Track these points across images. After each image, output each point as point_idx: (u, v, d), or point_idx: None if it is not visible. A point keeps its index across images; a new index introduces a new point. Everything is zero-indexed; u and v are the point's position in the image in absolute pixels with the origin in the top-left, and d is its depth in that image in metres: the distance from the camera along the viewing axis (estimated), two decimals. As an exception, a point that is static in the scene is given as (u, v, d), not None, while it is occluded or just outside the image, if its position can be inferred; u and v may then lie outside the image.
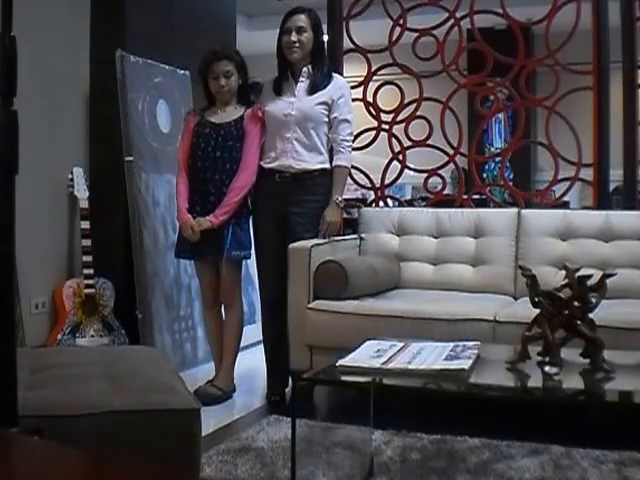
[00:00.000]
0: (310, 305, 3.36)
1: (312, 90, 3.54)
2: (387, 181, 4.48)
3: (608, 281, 2.27)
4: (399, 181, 4.50)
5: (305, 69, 3.56)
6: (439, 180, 4.42)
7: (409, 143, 4.43)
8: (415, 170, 4.43)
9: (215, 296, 3.67)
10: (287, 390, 3.62)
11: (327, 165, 3.57)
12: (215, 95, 3.60)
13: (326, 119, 3.54)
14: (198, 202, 3.53)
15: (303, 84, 3.56)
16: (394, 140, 4.45)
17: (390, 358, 2.24)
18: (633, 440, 2.67)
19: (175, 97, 4.41)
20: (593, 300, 2.25)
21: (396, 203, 4.79)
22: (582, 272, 2.28)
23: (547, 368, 2.19)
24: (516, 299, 3.52)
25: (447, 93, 4.38)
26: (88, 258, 3.94)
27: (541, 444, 2.77)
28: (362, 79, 4.46)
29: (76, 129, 4.21)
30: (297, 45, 3.49)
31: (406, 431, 2.92)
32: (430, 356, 2.25)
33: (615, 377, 2.20)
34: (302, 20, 3.51)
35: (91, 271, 3.95)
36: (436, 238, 3.91)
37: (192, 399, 2.00)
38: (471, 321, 3.12)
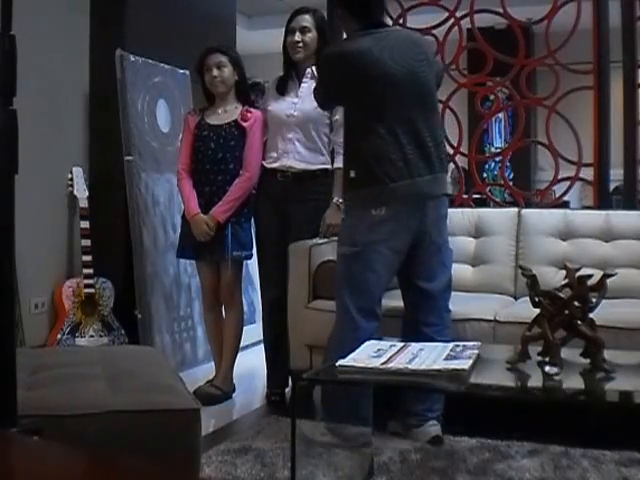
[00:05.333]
0: (310, 305, 3.36)
1: (315, 91, 3.55)
2: (387, 181, 4.47)
3: (608, 281, 2.26)
4: (399, 181, 4.49)
5: (309, 70, 3.55)
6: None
7: (409, 143, 4.42)
8: (415, 170, 4.42)
9: (216, 296, 3.67)
10: (287, 390, 3.62)
11: (328, 165, 3.56)
12: (210, 88, 3.60)
13: (327, 121, 3.54)
14: (201, 204, 3.53)
15: (306, 85, 3.56)
16: (394, 140, 4.44)
17: (390, 358, 2.24)
18: (633, 440, 2.67)
19: (175, 97, 4.41)
20: (593, 300, 2.25)
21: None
22: (582, 272, 2.27)
23: (547, 368, 2.19)
24: (516, 299, 3.51)
25: (447, 93, 4.38)
26: (88, 258, 3.94)
27: (541, 444, 2.77)
28: (362, 79, 4.46)
29: (76, 129, 4.21)
30: (300, 45, 3.49)
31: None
32: (430, 356, 2.25)
33: (615, 377, 2.19)
34: (306, 20, 3.51)
35: (91, 271, 3.95)
36: (436, 238, 3.90)
37: (192, 399, 2.00)
38: (471, 321, 3.12)
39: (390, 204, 2.77)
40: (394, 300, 3.05)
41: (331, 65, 2.94)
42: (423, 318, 2.90)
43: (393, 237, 2.79)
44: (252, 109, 3.61)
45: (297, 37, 3.49)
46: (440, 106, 4.33)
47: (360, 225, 2.81)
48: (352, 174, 2.83)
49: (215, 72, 3.55)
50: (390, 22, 4.41)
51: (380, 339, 2.58)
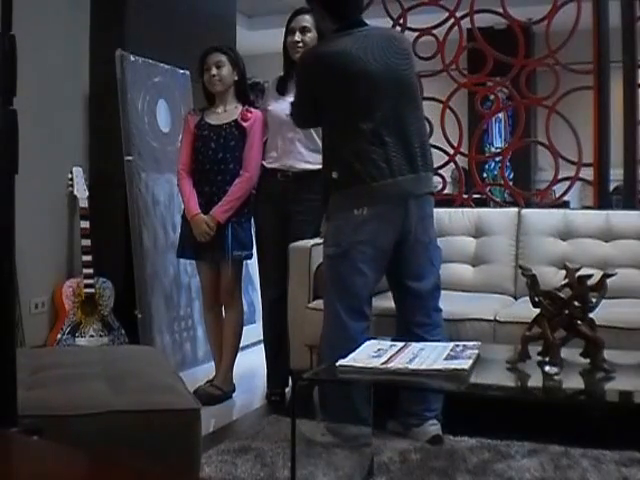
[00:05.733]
0: (310, 305, 3.36)
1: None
2: (387, 181, 4.47)
3: (608, 281, 2.27)
4: (399, 181, 4.48)
5: (309, 70, 3.55)
6: (439, 180, 4.41)
7: (409, 143, 4.42)
8: (415, 170, 4.42)
9: (216, 296, 3.67)
10: (287, 390, 3.62)
11: (328, 165, 3.56)
12: (208, 87, 3.60)
13: (327, 120, 3.54)
14: (202, 204, 3.53)
15: (306, 84, 3.56)
16: (394, 140, 4.43)
17: (390, 358, 2.24)
18: (633, 440, 2.67)
19: (175, 97, 4.41)
20: (593, 300, 2.25)
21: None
22: (582, 272, 2.27)
23: (547, 368, 2.19)
24: (516, 299, 3.51)
25: (447, 93, 4.38)
26: (88, 258, 3.94)
27: (541, 444, 2.77)
28: (362, 79, 4.46)
29: (76, 129, 4.21)
30: (300, 45, 3.49)
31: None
32: (430, 356, 2.25)
33: (615, 377, 2.19)
34: (306, 20, 3.50)
35: (91, 271, 3.95)
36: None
37: (192, 399, 2.00)
38: (471, 321, 3.12)
39: (372, 204, 2.77)
40: (390, 300, 3.05)
41: (311, 68, 2.93)
42: (412, 318, 2.91)
43: (377, 237, 2.79)
44: (252, 109, 3.61)
45: (297, 37, 3.48)
46: (440, 106, 4.37)
47: (344, 226, 2.82)
48: (334, 175, 2.83)
49: (214, 71, 3.55)
50: (391, 22, 4.43)
51: (371, 339, 2.56)
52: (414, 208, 2.83)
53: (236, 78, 3.61)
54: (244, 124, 3.56)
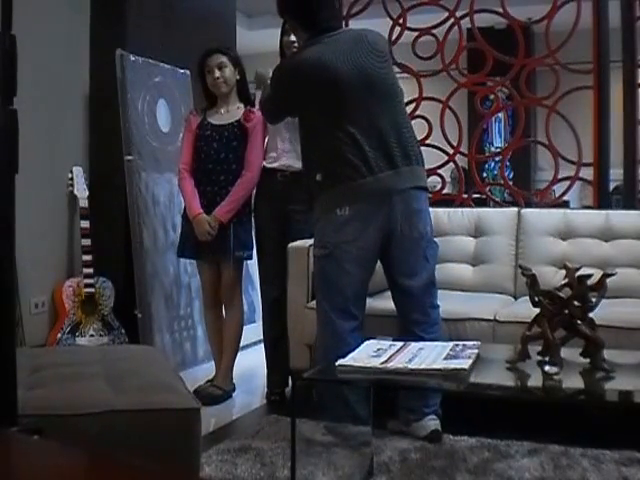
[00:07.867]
0: (309, 304, 3.35)
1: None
2: (387, 180, 4.47)
3: (608, 280, 2.26)
4: (399, 180, 4.48)
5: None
6: (439, 179, 4.41)
7: (409, 142, 4.42)
8: (415, 169, 4.42)
9: (216, 296, 3.67)
10: (287, 390, 3.62)
11: (327, 164, 3.57)
12: (213, 90, 3.60)
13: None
14: (204, 204, 3.53)
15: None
16: (394, 139, 4.43)
17: (390, 357, 2.24)
18: (633, 440, 2.67)
19: (175, 96, 4.41)
20: (593, 299, 2.25)
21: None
22: (582, 271, 2.27)
23: (547, 368, 2.19)
24: (516, 299, 3.52)
25: (447, 92, 4.38)
26: (88, 257, 3.94)
27: (541, 444, 2.77)
28: (362, 78, 4.46)
29: (76, 128, 4.21)
30: (296, 45, 3.49)
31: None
32: (430, 355, 2.25)
33: (615, 377, 2.19)
34: None
35: (91, 270, 3.95)
36: (436, 237, 3.90)
37: (192, 399, 2.00)
38: (471, 321, 3.12)
39: (354, 203, 2.79)
40: (390, 300, 3.04)
41: (284, 79, 2.97)
42: (409, 316, 2.92)
43: (360, 236, 2.80)
44: (254, 109, 3.61)
45: (293, 37, 3.49)
46: (440, 106, 4.37)
47: (329, 226, 2.84)
48: (318, 177, 2.84)
49: (217, 73, 3.55)
50: (390, 22, 4.43)
51: (369, 338, 2.56)
52: (398, 204, 2.82)
53: (238, 77, 3.61)
54: (247, 124, 3.56)
